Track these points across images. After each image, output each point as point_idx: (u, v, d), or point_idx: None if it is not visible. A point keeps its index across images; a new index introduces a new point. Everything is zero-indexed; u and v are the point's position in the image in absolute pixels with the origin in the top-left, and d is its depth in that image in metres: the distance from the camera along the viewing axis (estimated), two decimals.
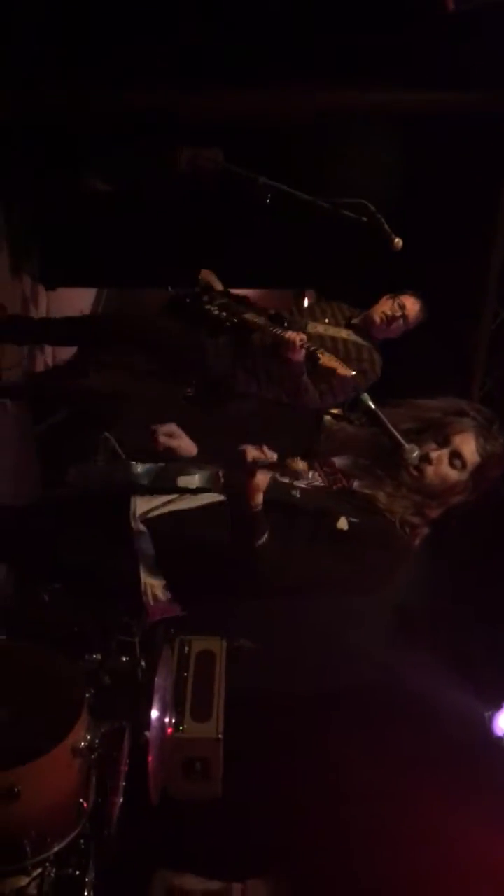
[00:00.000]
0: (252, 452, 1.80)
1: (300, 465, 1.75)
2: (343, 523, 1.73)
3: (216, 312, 3.52)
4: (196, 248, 4.73)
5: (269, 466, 1.81)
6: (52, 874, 2.43)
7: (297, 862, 3.29)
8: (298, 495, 1.77)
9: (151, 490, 2.01)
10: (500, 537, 4.00)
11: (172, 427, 2.18)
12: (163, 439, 2.13)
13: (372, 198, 2.74)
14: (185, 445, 2.18)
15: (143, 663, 2.99)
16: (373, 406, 2.00)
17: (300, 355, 3.04)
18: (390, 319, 3.55)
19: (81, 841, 2.56)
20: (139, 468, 2.04)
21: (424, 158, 3.97)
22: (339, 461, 2.15)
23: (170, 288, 6.30)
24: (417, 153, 4.01)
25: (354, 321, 3.64)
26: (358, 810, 3.48)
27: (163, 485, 2.01)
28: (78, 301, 6.17)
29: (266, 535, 1.84)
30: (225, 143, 3.71)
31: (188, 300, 3.66)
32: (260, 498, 1.82)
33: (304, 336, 3.09)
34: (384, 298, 3.64)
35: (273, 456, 1.84)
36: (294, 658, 1.73)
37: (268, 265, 4.92)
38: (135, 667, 2.98)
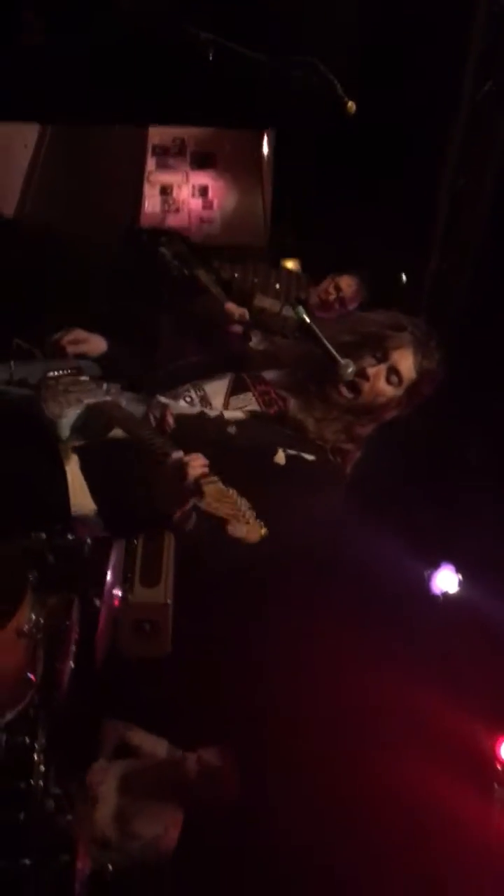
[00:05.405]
0: (198, 467, 1.60)
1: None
2: (280, 457, 1.68)
3: (169, 258, 3.42)
4: (143, 82, 4.43)
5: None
6: (2, 743, 2.57)
7: (244, 725, 3.48)
8: (234, 431, 1.70)
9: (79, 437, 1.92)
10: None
11: (77, 332, 2.11)
12: (70, 349, 2.06)
13: (324, 57, 2.50)
14: (94, 345, 2.12)
15: (88, 540, 3.01)
16: (307, 319, 1.92)
17: (237, 329, 3.01)
18: (325, 304, 3.59)
19: (31, 710, 2.68)
20: (63, 420, 1.92)
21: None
22: (272, 375, 2.09)
23: (117, 126, 5.98)
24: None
25: (303, 296, 3.69)
26: (299, 665, 3.67)
27: (90, 433, 1.92)
28: (20, 137, 5.79)
29: (193, 520, 1.70)
30: None
31: (145, 238, 3.56)
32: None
33: (244, 312, 3.04)
34: (326, 279, 3.69)
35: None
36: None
37: (217, 103, 4.63)
38: (81, 543, 3.00)
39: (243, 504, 1.55)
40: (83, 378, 1.97)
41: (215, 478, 1.59)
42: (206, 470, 1.61)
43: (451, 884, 3.16)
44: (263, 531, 1.55)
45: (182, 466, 1.61)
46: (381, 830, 3.24)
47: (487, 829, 3.42)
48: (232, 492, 1.57)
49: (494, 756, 3.51)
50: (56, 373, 1.94)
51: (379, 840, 3.25)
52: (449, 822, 3.33)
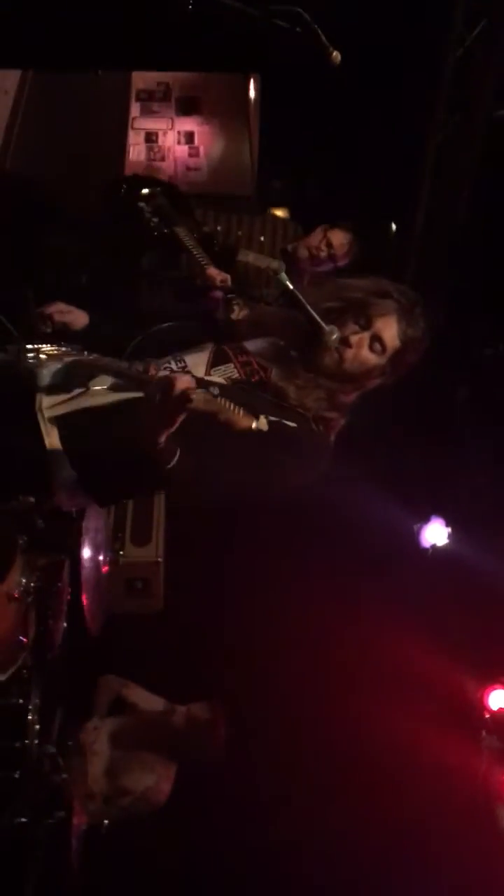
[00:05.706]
0: (184, 381, 1.59)
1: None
2: (262, 423, 1.66)
3: (148, 216, 3.28)
4: (126, 24, 4.27)
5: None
6: None
7: (236, 678, 3.53)
8: (217, 393, 1.68)
9: (59, 390, 1.92)
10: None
11: (60, 305, 2.08)
12: (57, 317, 2.04)
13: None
14: (76, 317, 2.09)
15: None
16: (290, 286, 1.88)
17: (217, 295, 2.88)
18: (314, 259, 3.39)
19: (24, 671, 2.71)
20: (44, 370, 1.94)
21: None
22: (254, 345, 2.06)
23: (99, 72, 5.80)
24: None
25: (289, 248, 3.47)
26: (290, 619, 3.71)
27: (72, 385, 1.92)
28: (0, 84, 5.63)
29: (177, 458, 1.71)
30: None
31: (123, 188, 3.40)
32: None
33: (226, 277, 2.90)
34: (317, 230, 3.46)
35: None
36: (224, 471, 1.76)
37: (202, 47, 4.48)
38: None
39: (233, 406, 1.58)
40: (63, 348, 1.95)
41: (202, 390, 1.60)
42: (192, 384, 1.62)
43: (439, 827, 3.25)
44: (254, 424, 1.55)
45: (169, 381, 1.61)
46: (372, 778, 3.31)
47: (475, 773, 3.53)
48: (220, 399, 1.59)
49: (482, 705, 3.58)
50: (35, 345, 1.92)
51: (370, 787, 3.33)
52: (438, 767, 3.41)
